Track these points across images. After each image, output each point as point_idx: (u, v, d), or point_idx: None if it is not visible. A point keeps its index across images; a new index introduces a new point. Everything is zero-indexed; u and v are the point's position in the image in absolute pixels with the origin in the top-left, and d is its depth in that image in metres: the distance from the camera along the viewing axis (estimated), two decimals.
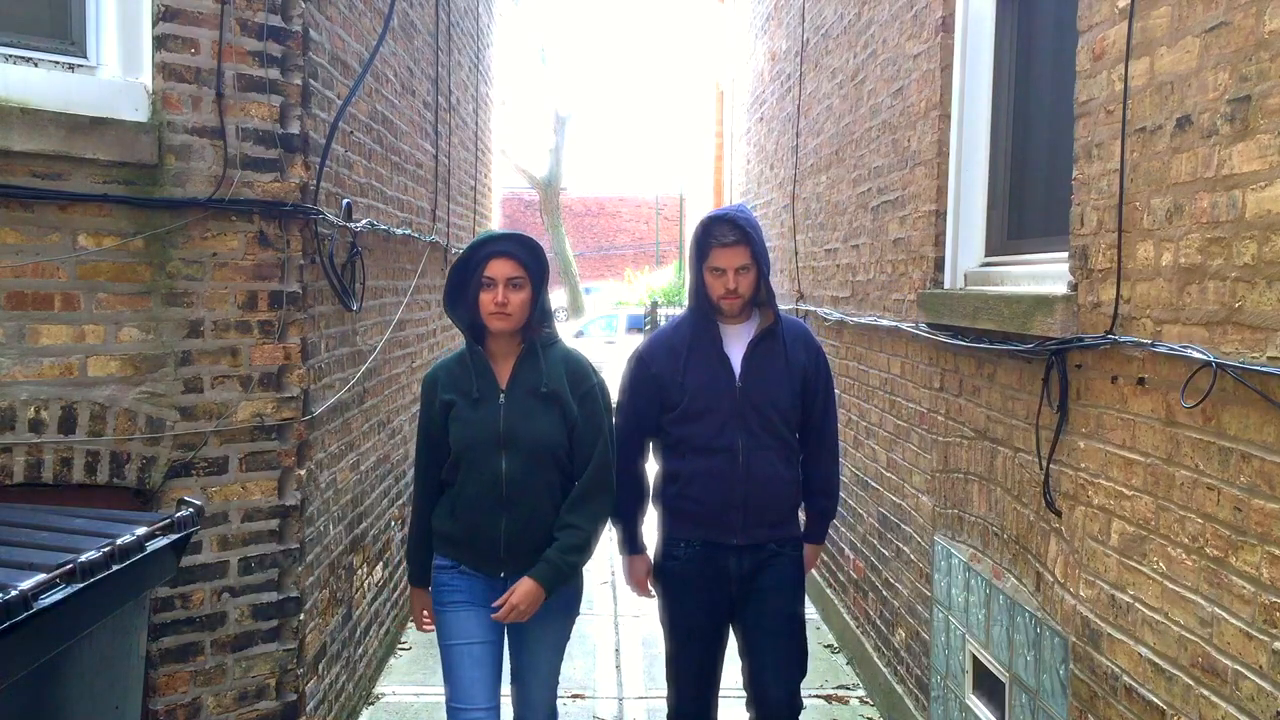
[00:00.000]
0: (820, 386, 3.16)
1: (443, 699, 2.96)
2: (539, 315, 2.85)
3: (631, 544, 3.24)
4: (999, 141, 3.56)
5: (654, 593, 3.23)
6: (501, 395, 2.82)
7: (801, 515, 3.25)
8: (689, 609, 3.11)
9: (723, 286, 2.99)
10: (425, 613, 3.04)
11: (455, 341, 7.28)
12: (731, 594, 3.09)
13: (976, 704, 3.35)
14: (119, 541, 2.25)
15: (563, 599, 2.91)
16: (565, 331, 21.65)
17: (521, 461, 2.78)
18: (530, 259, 2.79)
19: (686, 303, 3.18)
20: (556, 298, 28.34)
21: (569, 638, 3.03)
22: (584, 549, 2.85)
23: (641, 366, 3.15)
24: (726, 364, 3.04)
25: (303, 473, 3.34)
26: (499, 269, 2.75)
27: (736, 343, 3.07)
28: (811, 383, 3.13)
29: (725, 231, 2.97)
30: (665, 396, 3.08)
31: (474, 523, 2.82)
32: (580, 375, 2.90)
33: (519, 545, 2.82)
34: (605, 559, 6.59)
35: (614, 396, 3.07)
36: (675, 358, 3.07)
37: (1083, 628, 2.56)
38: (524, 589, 2.78)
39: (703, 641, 3.12)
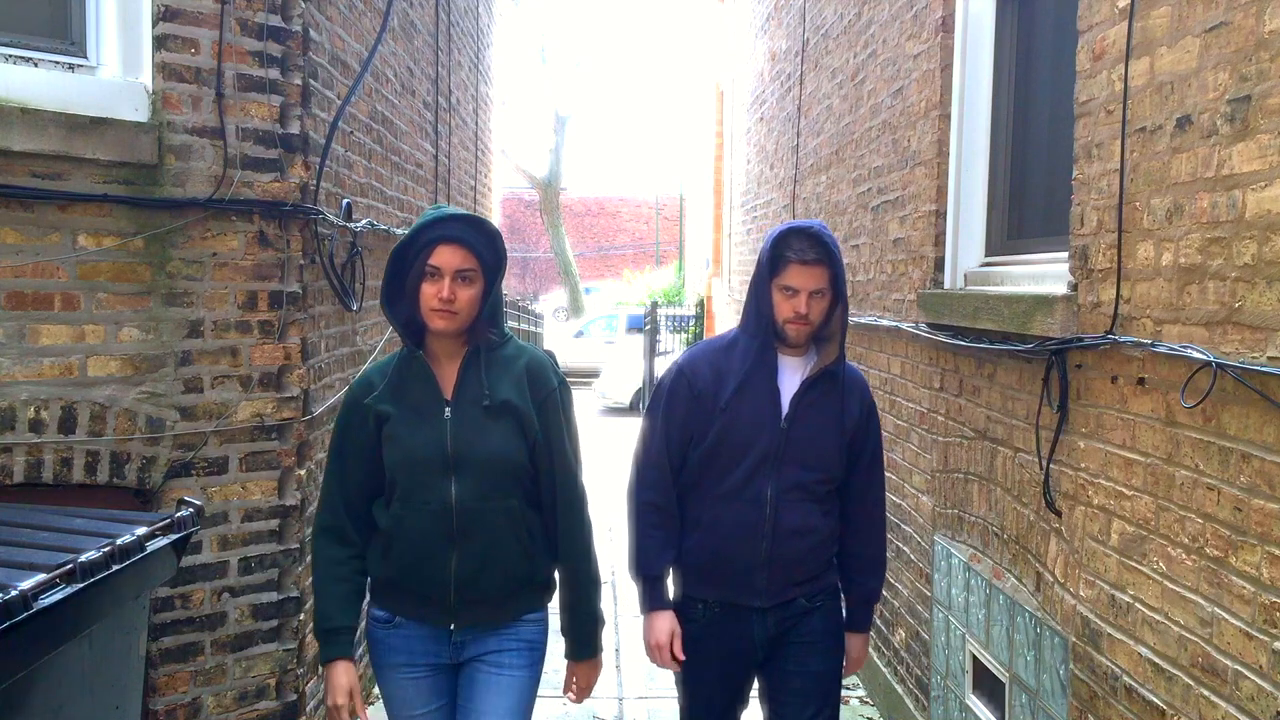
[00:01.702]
0: (868, 448, 2.73)
1: None
2: (488, 315, 2.37)
3: (654, 598, 2.70)
4: (999, 141, 3.56)
5: (681, 662, 2.71)
6: (447, 409, 2.35)
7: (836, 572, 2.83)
8: (705, 677, 2.73)
9: (792, 309, 2.56)
10: (353, 695, 2.38)
11: None
12: (755, 659, 2.71)
13: (976, 704, 3.35)
14: (119, 541, 2.25)
15: (518, 653, 2.45)
16: (565, 332, 21.61)
17: (475, 485, 2.32)
18: (485, 248, 2.33)
19: (740, 321, 2.73)
20: (556, 297, 28.34)
21: (532, 704, 2.51)
22: (596, 584, 2.51)
23: (682, 382, 2.70)
24: (775, 399, 2.62)
25: (303, 473, 3.34)
26: (447, 257, 2.28)
27: (789, 377, 2.65)
28: (859, 442, 2.70)
29: (806, 247, 2.54)
30: (700, 422, 2.65)
31: (416, 563, 2.35)
32: (540, 378, 2.42)
33: (474, 589, 2.35)
34: (605, 559, 6.59)
35: (582, 402, 2.76)
36: (722, 382, 2.64)
37: (1083, 628, 2.56)
38: (582, 672, 2.52)
39: (720, 705, 2.76)
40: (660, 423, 2.71)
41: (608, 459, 10.83)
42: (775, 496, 2.60)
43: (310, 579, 3.02)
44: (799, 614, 2.69)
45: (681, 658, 2.67)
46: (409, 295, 2.34)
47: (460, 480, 2.32)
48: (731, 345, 2.71)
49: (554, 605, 2.55)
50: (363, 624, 2.52)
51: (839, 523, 2.73)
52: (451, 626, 2.40)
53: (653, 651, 2.71)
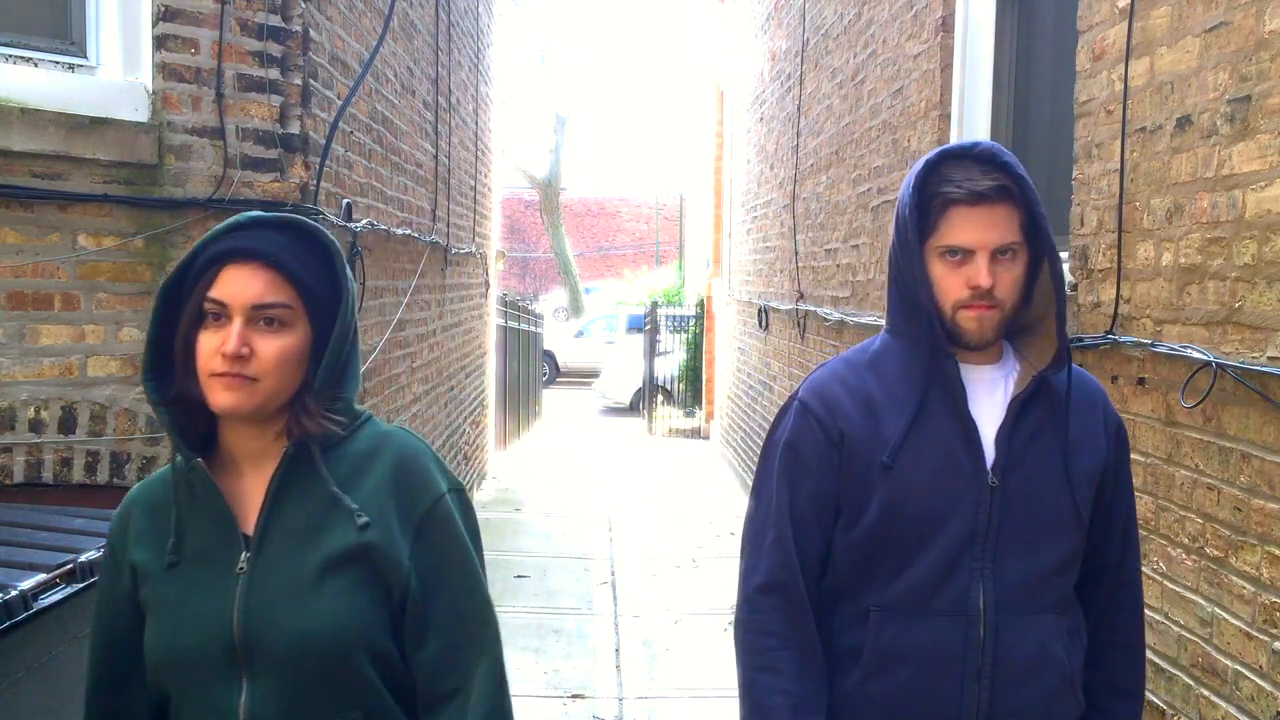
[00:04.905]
0: (1123, 505, 1.63)
1: None
2: (321, 384, 1.35)
3: None
4: (999, 141, 3.56)
5: None
6: (244, 556, 1.33)
7: None
8: None
9: (965, 283, 1.50)
10: None
11: (456, 341, 7.22)
12: None
13: None
14: None
15: None
16: (565, 332, 21.54)
17: (281, 692, 1.31)
18: (309, 268, 1.36)
19: (886, 319, 1.68)
20: (556, 297, 28.32)
21: None
22: None
23: (808, 426, 1.61)
24: (973, 440, 1.54)
25: None
26: (237, 285, 1.30)
27: (985, 398, 1.57)
28: (1109, 495, 1.61)
29: (976, 175, 1.50)
30: (850, 489, 1.58)
31: None
32: (415, 482, 1.39)
33: None
34: (605, 559, 6.58)
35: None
36: (878, 420, 1.57)
37: None
38: None
39: None
40: (782, 499, 1.61)
41: (607, 456, 10.90)
42: (993, 606, 1.53)
43: None
44: None
45: None
46: (182, 355, 1.33)
47: (256, 684, 1.32)
48: (881, 358, 1.64)
49: None
50: None
51: (1082, 657, 1.61)
52: None
53: None
